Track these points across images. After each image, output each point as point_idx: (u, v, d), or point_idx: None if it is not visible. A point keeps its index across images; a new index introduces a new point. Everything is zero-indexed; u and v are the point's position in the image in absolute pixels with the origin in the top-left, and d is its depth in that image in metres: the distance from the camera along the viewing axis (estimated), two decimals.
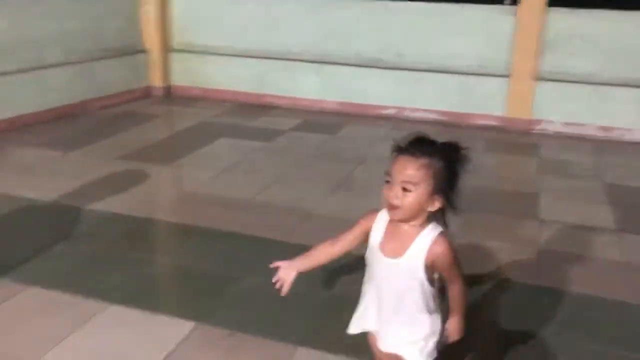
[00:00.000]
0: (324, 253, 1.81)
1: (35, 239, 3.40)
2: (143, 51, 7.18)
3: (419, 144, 1.61)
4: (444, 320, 1.81)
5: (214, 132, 5.75)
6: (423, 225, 1.66)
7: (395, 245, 1.67)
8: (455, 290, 1.76)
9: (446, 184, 1.61)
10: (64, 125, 5.80)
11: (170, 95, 7.35)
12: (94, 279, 2.95)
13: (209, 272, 3.07)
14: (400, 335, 1.75)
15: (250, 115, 6.50)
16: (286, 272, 1.79)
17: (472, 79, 6.29)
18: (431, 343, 1.76)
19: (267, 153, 5.22)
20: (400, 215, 1.62)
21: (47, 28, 5.92)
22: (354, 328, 1.88)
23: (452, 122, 6.35)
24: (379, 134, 5.88)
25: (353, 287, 1.96)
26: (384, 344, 1.80)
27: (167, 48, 7.29)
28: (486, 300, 2.90)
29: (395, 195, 1.59)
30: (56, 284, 2.87)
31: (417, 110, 6.53)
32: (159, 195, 4.43)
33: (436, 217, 1.67)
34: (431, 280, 1.70)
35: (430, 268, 1.67)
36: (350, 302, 1.93)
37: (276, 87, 6.98)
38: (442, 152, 1.61)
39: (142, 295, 2.83)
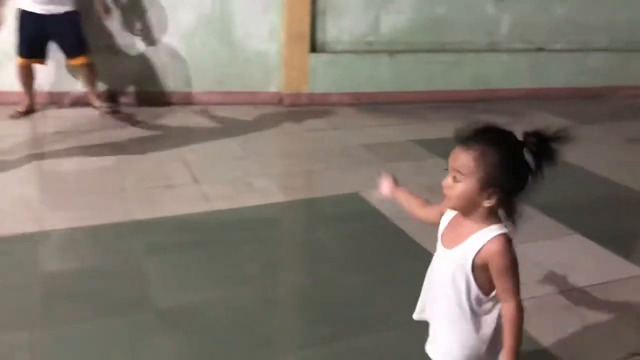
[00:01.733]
0: (412, 205, 1.87)
1: None
2: None
3: (478, 134, 1.53)
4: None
5: None
6: (487, 222, 1.55)
7: (453, 237, 1.62)
8: (505, 313, 1.56)
9: (504, 178, 1.48)
10: (586, 103, 6.39)
11: None
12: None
13: None
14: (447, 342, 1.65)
15: None
16: (386, 189, 1.92)
17: None
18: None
19: None
20: (449, 205, 1.60)
21: (598, 15, 6.51)
22: (416, 314, 1.80)
23: None
24: None
25: None
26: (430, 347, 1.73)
27: None
28: None
29: (447, 184, 1.55)
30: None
31: None
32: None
33: (509, 218, 1.55)
34: (482, 286, 1.57)
35: (483, 270, 1.55)
36: None
37: None
38: (504, 144, 1.51)
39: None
